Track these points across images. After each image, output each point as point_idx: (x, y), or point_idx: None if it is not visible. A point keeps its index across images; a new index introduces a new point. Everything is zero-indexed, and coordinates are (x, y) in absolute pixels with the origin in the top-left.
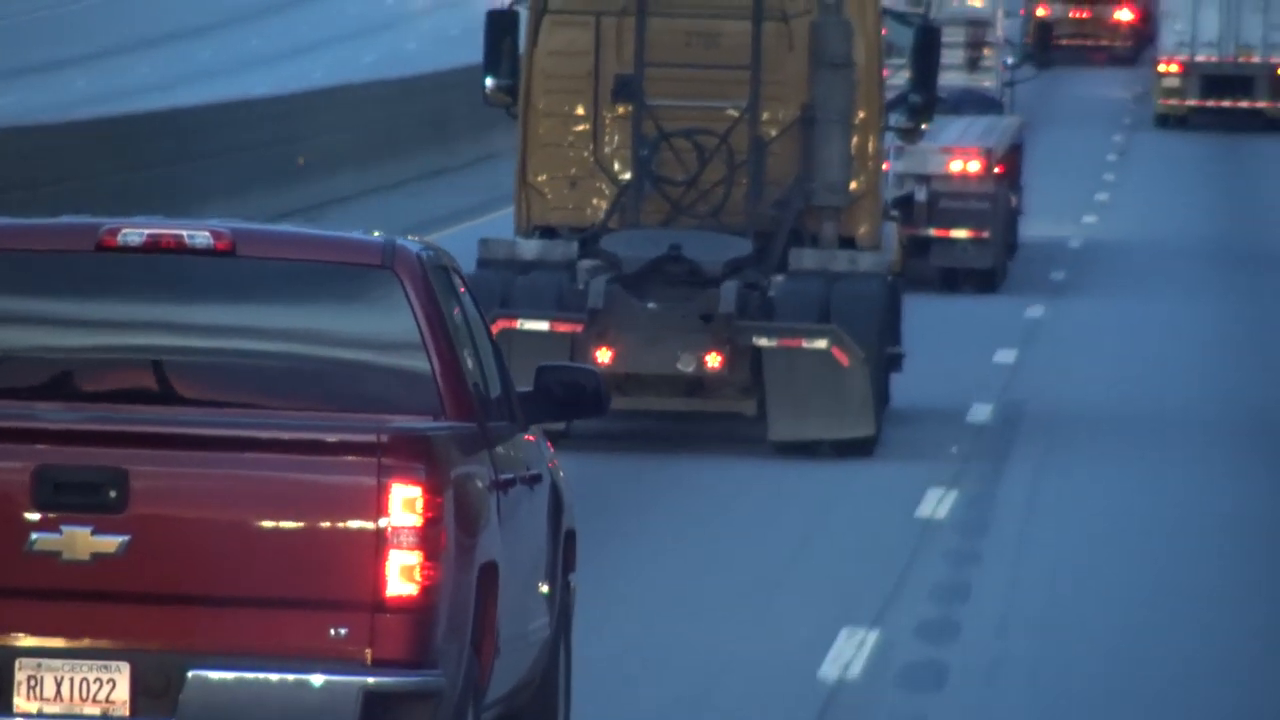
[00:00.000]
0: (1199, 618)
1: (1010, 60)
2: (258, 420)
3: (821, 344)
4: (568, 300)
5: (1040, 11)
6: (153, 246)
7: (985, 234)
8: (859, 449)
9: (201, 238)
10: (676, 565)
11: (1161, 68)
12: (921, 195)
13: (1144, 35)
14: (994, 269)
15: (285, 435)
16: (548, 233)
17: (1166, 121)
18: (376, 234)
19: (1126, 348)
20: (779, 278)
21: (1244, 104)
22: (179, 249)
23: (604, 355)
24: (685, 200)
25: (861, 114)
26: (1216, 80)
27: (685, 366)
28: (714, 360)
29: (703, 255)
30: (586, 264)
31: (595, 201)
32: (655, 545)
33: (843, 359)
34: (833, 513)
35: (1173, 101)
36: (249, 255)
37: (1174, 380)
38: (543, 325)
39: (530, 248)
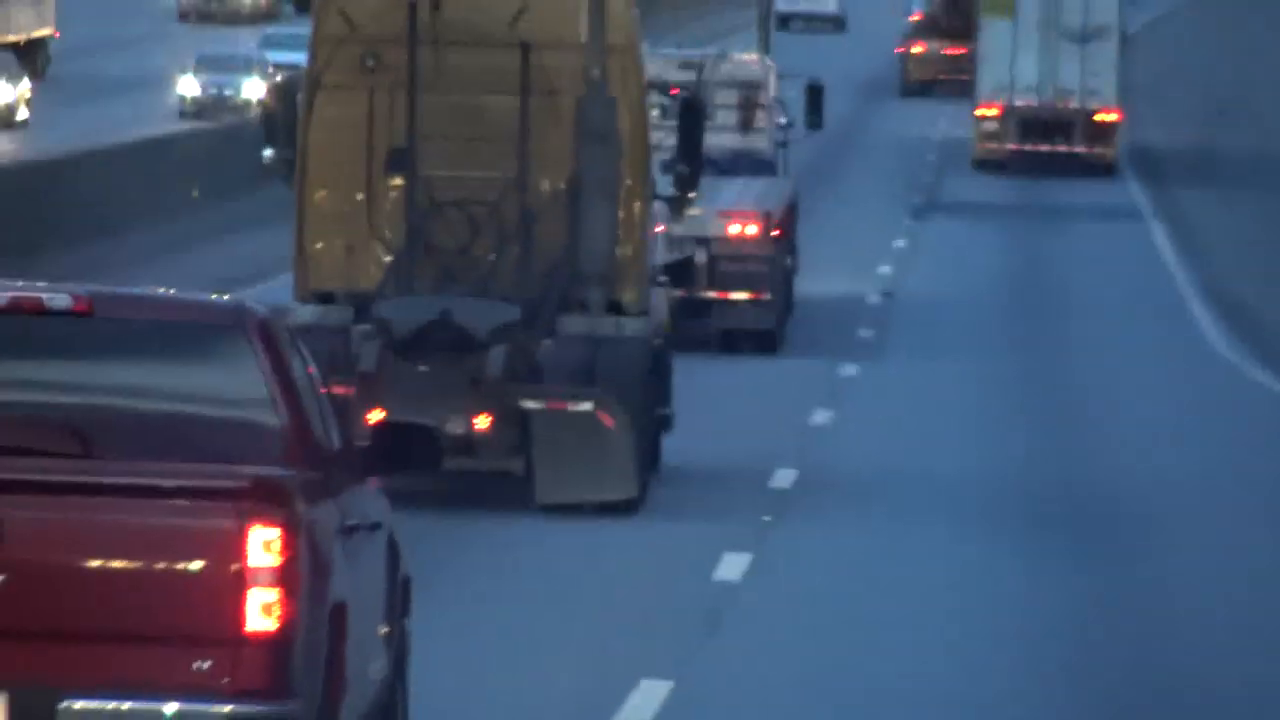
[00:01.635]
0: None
1: (783, 121)
2: (124, 468)
3: (586, 406)
4: (341, 364)
5: (916, 49)
6: (14, 309)
7: (765, 295)
8: (622, 509)
9: (61, 300)
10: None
11: (980, 111)
12: (701, 258)
13: None
14: (774, 330)
15: (150, 482)
16: (325, 298)
17: (984, 165)
18: (227, 296)
19: (932, 408)
20: (547, 342)
21: (1062, 148)
22: (40, 311)
23: (375, 417)
24: (457, 268)
25: (627, 183)
26: (1034, 124)
27: (454, 428)
28: (482, 422)
29: (472, 321)
30: (360, 329)
31: (370, 269)
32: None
33: (607, 421)
34: (629, 573)
35: (991, 145)
36: (106, 316)
37: (975, 443)
38: None
39: (306, 313)
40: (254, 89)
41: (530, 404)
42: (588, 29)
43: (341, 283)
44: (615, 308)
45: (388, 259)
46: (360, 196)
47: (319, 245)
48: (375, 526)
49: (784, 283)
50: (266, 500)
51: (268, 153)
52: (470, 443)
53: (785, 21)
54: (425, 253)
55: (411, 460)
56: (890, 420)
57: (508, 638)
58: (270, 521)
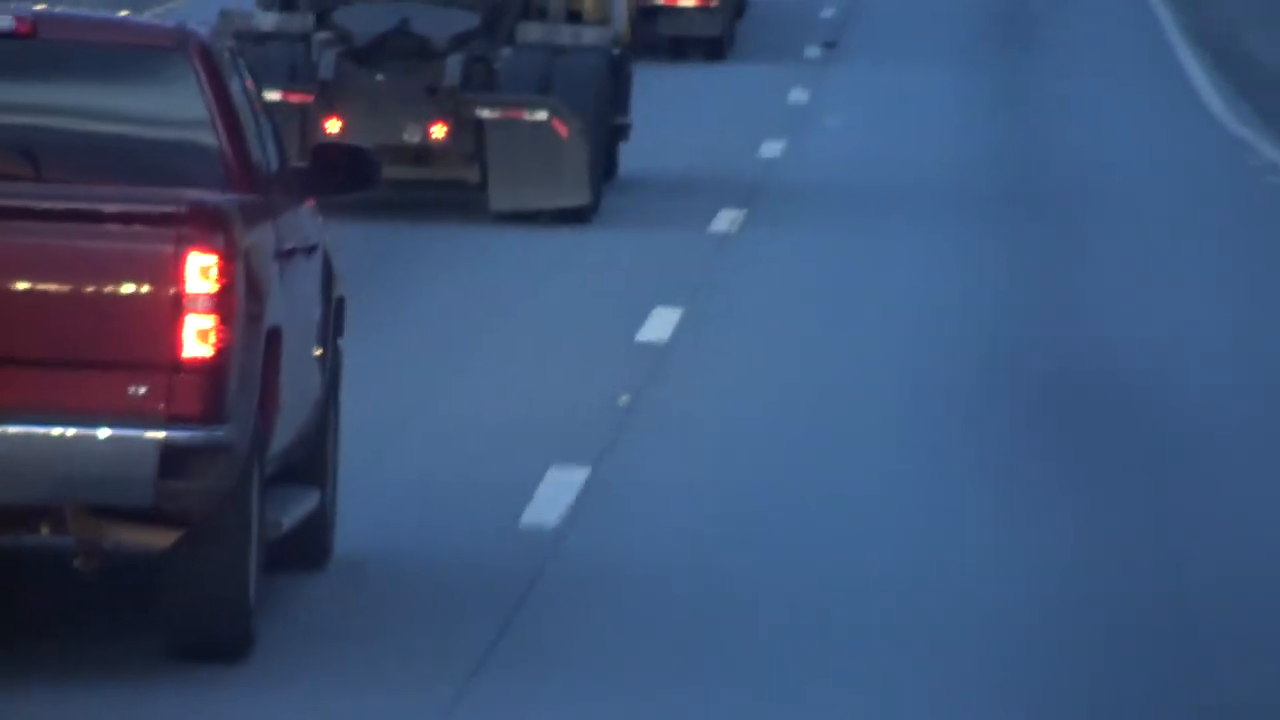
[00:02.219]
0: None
1: None
2: (61, 191)
3: (541, 115)
4: (301, 72)
5: None
6: None
7: (712, 2)
8: (576, 217)
9: (4, 21)
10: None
11: None
12: None
13: None
14: (721, 36)
15: (88, 206)
16: (287, 4)
17: None
18: (169, 19)
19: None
20: (506, 50)
21: None
22: None
23: (333, 126)
24: None
25: None
26: None
27: (411, 137)
28: (439, 131)
29: (431, 29)
30: (321, 36)
31: None
32: (388, 311)
33: (562, 130)
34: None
35: None
36: (49, 39)
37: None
38: (275, 95)
39: (268, 20)
40: None
41: (486, 113)
42: None
43: None
44: (575, 16)
45: None
46: None
47: None
48: (312, 249)
49: None
50: (204, 226)
51: None
52: (427, 151)
53: None
54: None
55: (349, 182)
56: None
57: (450, 350)
58: (208, 248)
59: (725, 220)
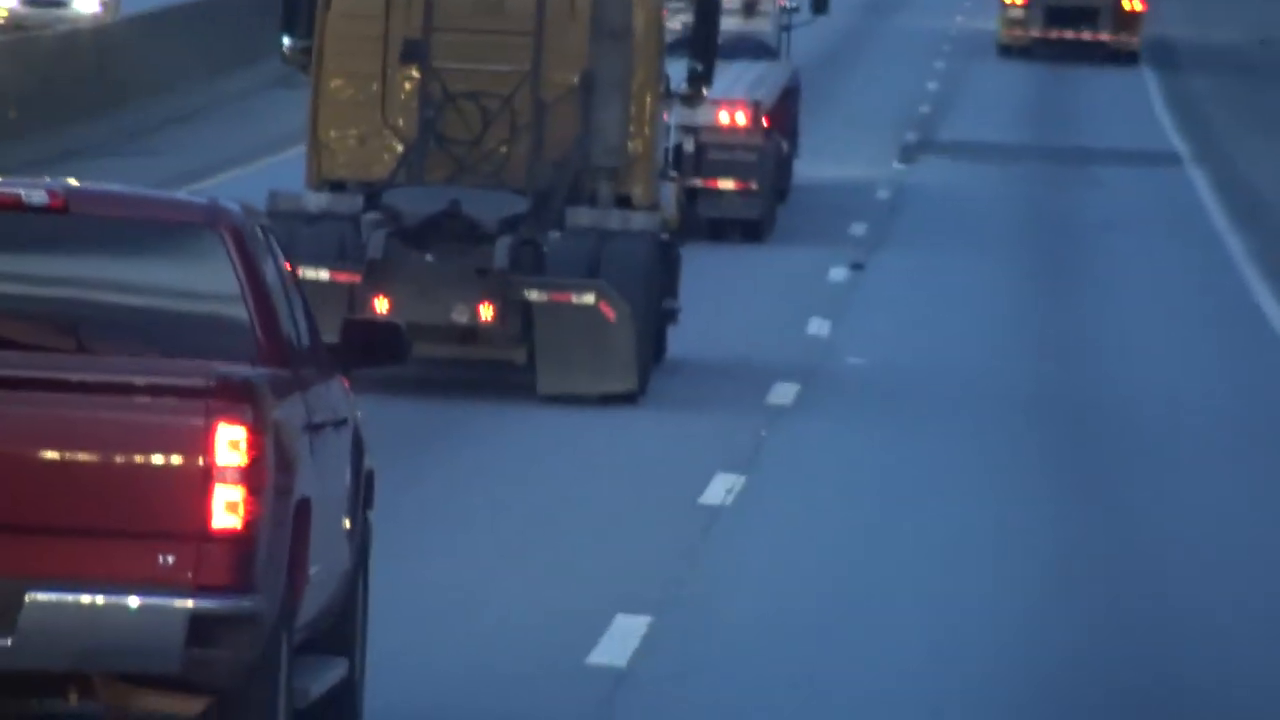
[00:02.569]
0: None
1: (787, 4)
2: (94, 363)
3: (589, 299)
4: (350, 252)
5: None
6: None
7: (752, 185)
8: (625, 400)
9: (38, 196)
10: (454, 512)
11: None
12: (689, 146)
13: None
14: (761, 219)
15: (120, 378)
16: (336, 187)
17: (1009, 52)
18: (202, 196)
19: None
20: (555, 234)
21: (1087, 35)
22: (16, 207)
23: (381, 305)
24: (468, 159)
25: (639, 78)
26: (1060, 11)
27: (459, 317)
28: (487, 312)
29: (480, 212)
30: (370, 217)
31: (383, 158)
32: (433, 490)
33: (609, 314)
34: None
35: (1016, 32)
36: (81, 213)
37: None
38: (323, 274)
39: (317, 200)
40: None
41: (534, 295)
42: None
43: (353, 172)
44: (624, 201)
45: (400, 149)
46: (375, 87)
47: (332, 134)
48: (341, 422)
49: (774, 171)
50: (234, 398)
51: (286, 41)
52: (474, 332)
53: None
54: (437, 144)
55: (379, 357)
56: (886, 318)
57: (486, 535)
58: (237, 420)
59: (780, 394)
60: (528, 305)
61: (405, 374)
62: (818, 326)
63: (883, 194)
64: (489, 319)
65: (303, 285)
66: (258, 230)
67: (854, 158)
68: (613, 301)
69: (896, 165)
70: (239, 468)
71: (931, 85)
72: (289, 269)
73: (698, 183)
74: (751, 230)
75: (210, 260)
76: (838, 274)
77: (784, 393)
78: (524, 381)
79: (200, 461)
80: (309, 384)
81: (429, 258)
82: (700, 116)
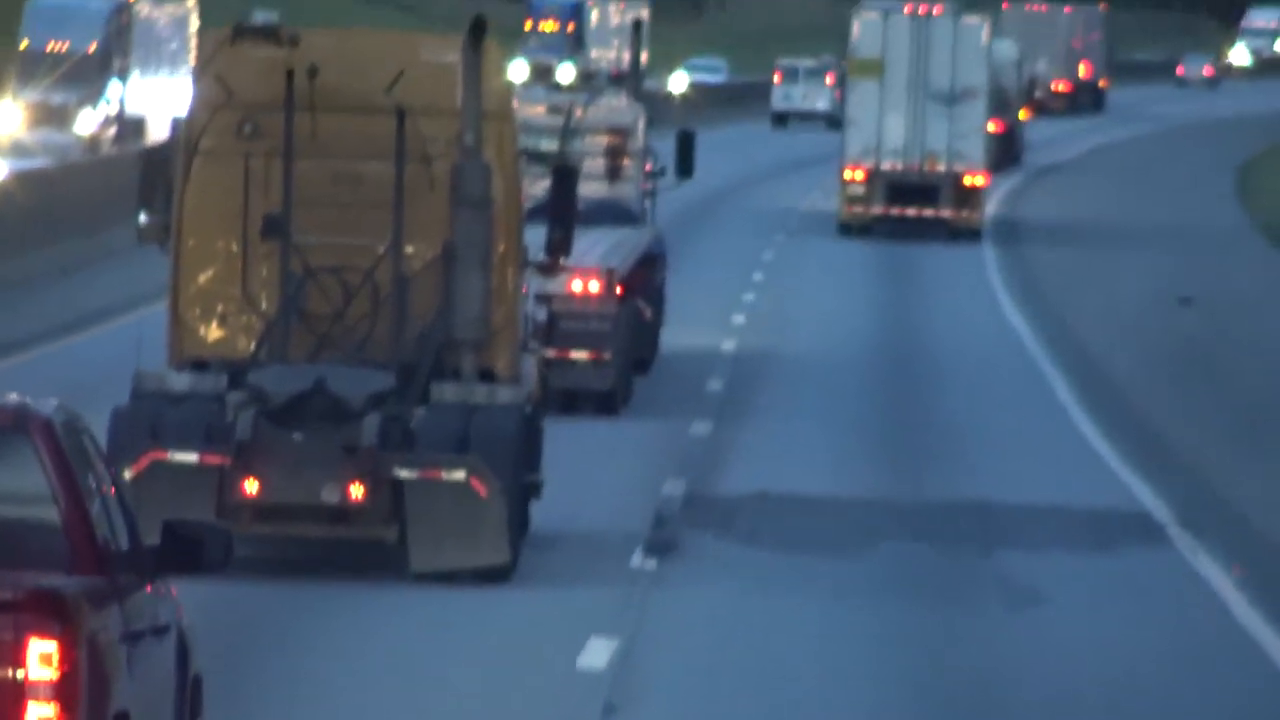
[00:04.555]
0: None
1: (652, 169)
2: None
3: (460, 475)
4: (216, 432)
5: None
6: None
7: (605, 355)
8: (496, 575)
9: None
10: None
11: (846, 174)
12: (542, 316)
13: (1007, 148)
14: (614, 391)
15: None
16: (199, 365)
17: (849, 230)
18: (12, 396)
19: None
20: (421, 410)
21: (929, 212)
22: None
23: (251, 486)
24: (332, 335)
25: (500, 249)
26: (901, 188)
27: (329, 497)
28: (357, 491)
29: (346, 389)
30: (235, 397)
31: (245, 336)
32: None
33: (481, 490)
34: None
35: (857, 209)
36: None
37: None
38: (192, 457)
39: (181, 380)
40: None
41: (404, 473)
42: (462, 95)
43: (216, 350)
44: (488, 375)
45: (262, 326)
46: (235, 263)
47: (194, 312)
48: (163, 629)
49: (629, 340)
50: (44, 612)
51: (142, 218)
52: (345, 511)
53: (781, 119)
54: (300, 320)
55: (202, 562)
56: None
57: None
58: (48, 634)
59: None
60: (398, 483)
61: (276, 555)
62: (672, 487)
63: (728, 346)
64: (359, 498)
65: (168, 467)
66: (72, 432)
67: (697, 321)
68: (484, 477)
69: (737, 318)
70: (51, 682)
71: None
72: (107, 468)
73: (550, 353)
74: (605, 402)
75: (19, 464)
76: (699, 429)
77: (645, 563)
78: (395, 560)
79: (11, 675)
80: (127, 591)
81: (297, 437)
82: (553, 285)
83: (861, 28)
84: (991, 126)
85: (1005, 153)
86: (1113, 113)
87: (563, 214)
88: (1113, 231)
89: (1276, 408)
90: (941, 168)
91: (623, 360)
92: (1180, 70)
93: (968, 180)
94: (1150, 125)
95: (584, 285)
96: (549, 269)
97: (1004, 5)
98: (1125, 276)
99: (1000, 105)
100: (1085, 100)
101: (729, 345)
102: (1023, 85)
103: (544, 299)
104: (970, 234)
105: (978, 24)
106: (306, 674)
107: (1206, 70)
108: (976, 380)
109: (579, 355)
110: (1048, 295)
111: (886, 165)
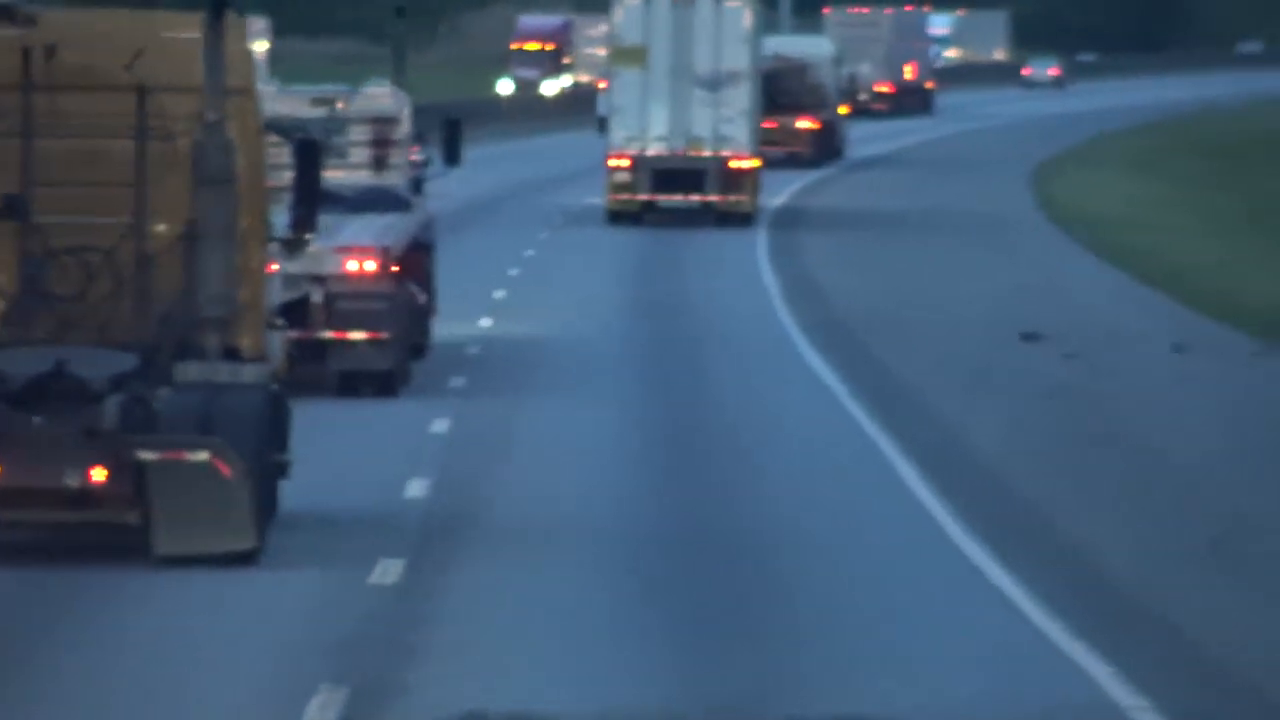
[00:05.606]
0: None
1: (418, 157)
2: None
3: (203, 456)
4: None
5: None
6: None
7: (383, 335)
8: (243, 560)
9: None
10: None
11: (612, 163)
12: (318, 297)
13: (826, 142)
14: (393, 371)
15: None
16: None
17: (618, 218)
18: None
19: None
20: (164, 390)
21: (695, 198)
22: None
23: None
24: (74, 316)
25: (244, 226)
26: (666, 175)
27: (71, 481)
28: (99, 474)
29: (88, 370)
30: None
31: None
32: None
33: (225, 471)
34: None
35: (623, 197)
36: None
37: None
38: None
39: None
40: None
41: (146, 455)
42: (205, 71)
43: None
44: (233, 354)
45: (1, 308)
46: None
47: None
48: None
49: (408, 322)
50: None
51: None
52: (87, 495)
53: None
54: (41, 301)
55: None
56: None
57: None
58: None
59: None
60: (140, 465)
61: (14, 540)
62: (416, 488)
63: (473, 350)
64: (101, 481)
65: None
66: None
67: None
68: (228, 458)
69: (483, 322)
70: None
71: (529, 252)
72: None
73: (328, 335)
74: (385, 383)
75: None
76: (439, 426)
77: (390, 569)
78: (139, 544)
79: None
80: None
81: (37, 420)
82: (328, 265)
83: (624, 14)
84: (807, 123)
85: (824, 147)
86: (945, 113)
87: (306, 190)
88: (895, 217)
89: (991, 343)
90: (707, 152)
91: (401, 340)
92: (1026, 71)
93: (734, 164)
94: (977, 124)
95: (360, 264)
96: (293, 245)
97: (824, 10)
98: (893, 256)
99: (818, 102)
100: (912, 102)
101: (485, 324)
102: (840, 84)
103: (319, 279)
104: (740, 218)
105: (739, 6)
106: (42, 663)
107: (1052, 70)
108: (732, 345)
109: (357, 336)
110: (814, 274)
111: (651, 152)
